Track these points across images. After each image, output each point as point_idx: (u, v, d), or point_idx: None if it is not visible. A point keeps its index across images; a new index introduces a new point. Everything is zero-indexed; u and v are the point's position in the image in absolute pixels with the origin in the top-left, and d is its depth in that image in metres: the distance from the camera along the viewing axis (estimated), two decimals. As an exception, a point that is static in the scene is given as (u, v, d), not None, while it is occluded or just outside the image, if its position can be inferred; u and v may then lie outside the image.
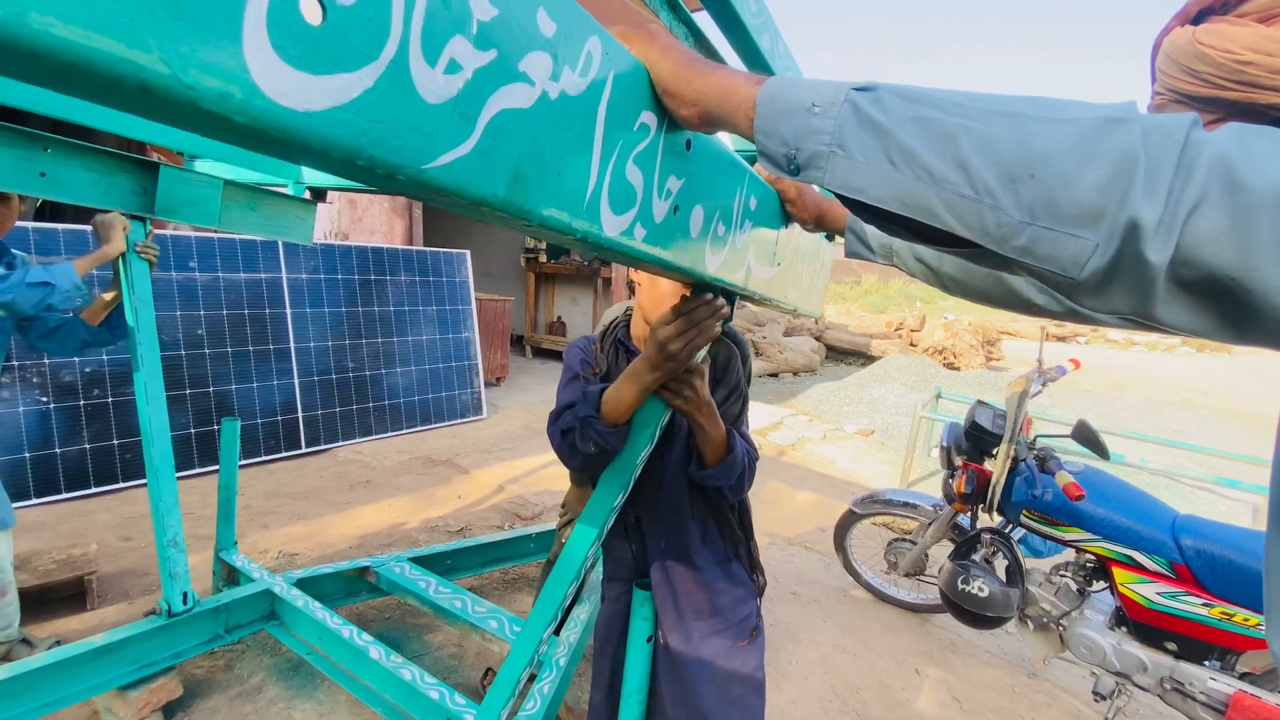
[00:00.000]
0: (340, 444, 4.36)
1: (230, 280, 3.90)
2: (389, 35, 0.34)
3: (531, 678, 1.79)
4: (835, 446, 5.45)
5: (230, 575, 2.17)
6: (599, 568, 2.23)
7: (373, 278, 4.70)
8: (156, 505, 1.77)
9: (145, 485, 3.37)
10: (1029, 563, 2.24)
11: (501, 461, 4.35)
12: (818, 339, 11.18)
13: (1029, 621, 2.18)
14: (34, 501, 3.10)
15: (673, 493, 1.29)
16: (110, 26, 0.24)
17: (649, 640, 1.32)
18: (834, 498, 4.17)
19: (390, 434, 4.67)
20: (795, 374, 9.44)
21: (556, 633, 1.95)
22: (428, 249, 5.17)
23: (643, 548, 1.35)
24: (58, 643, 2.02)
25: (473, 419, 5.28)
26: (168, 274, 3.65)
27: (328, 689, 2.00)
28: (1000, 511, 2.19)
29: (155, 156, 1.83)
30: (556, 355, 8.57)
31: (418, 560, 2.29)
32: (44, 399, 3.17)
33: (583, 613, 2.05)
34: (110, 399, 3.38)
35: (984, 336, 11.02)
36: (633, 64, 0.54)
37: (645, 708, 1.35)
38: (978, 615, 2.06)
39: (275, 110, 0.30)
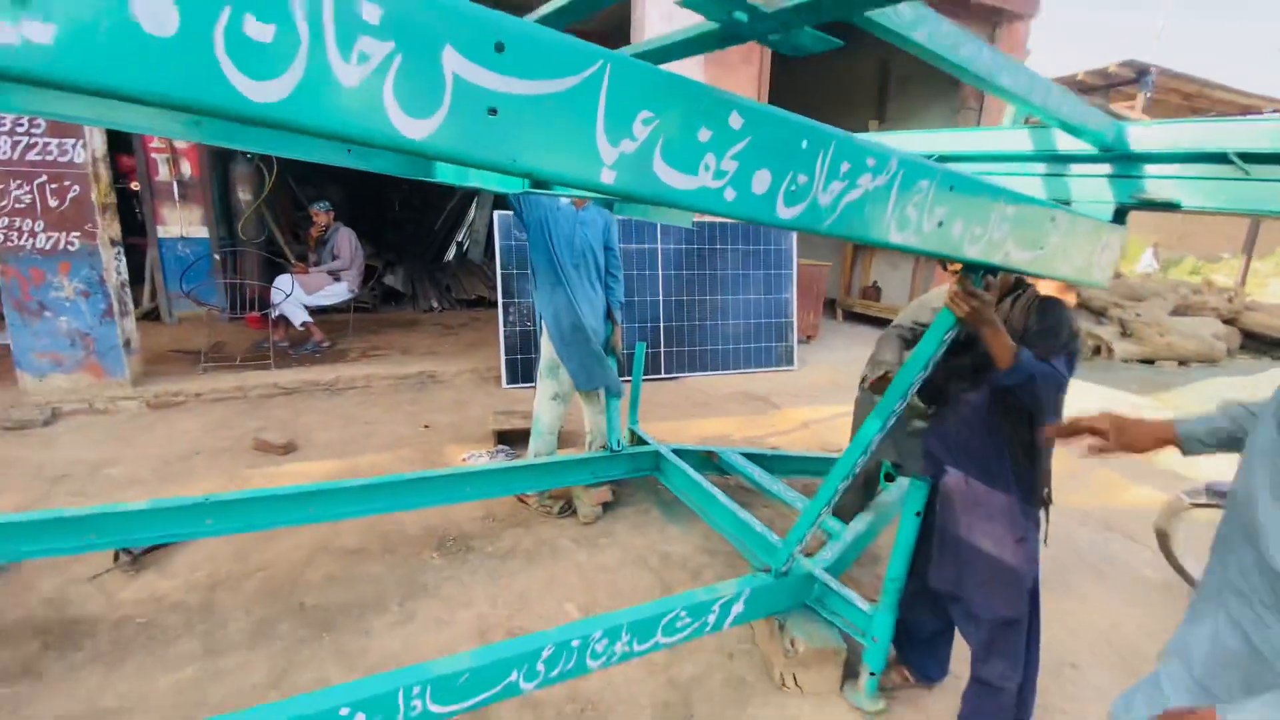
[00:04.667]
0: (685, 375, 5.66)
1: (627, 249, 5.41)
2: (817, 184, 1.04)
3: (823, 540, 2.49)
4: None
5: (634, 440, 3.40)
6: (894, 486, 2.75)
7: (715, 247, 5.80)
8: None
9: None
10: None
11: (808, 405, 5.04)
12: (1229, 322, 8.64)
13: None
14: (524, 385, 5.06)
15: (977, 416, 1.78)
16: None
17: (917, 515, 1.88)
18: (1183, 497, 3.69)
19: (720, 372, 5.80)
20: (1183, 363, 7.64)
21: (847, 519, 2.59)
22: (760, 220, 6.04)
23: (944, 450, 1.87)
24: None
25: (784, 368, 6.08)
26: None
27: (689, 519, 3.06)
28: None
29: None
30: (867, 320, 8.65)
31: (747, 455, 3.18)
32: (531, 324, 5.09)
33: (869, 515, 2.64)
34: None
35: None
36: (914, 161, 1.14)
37: (908, 566, 1.91)
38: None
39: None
